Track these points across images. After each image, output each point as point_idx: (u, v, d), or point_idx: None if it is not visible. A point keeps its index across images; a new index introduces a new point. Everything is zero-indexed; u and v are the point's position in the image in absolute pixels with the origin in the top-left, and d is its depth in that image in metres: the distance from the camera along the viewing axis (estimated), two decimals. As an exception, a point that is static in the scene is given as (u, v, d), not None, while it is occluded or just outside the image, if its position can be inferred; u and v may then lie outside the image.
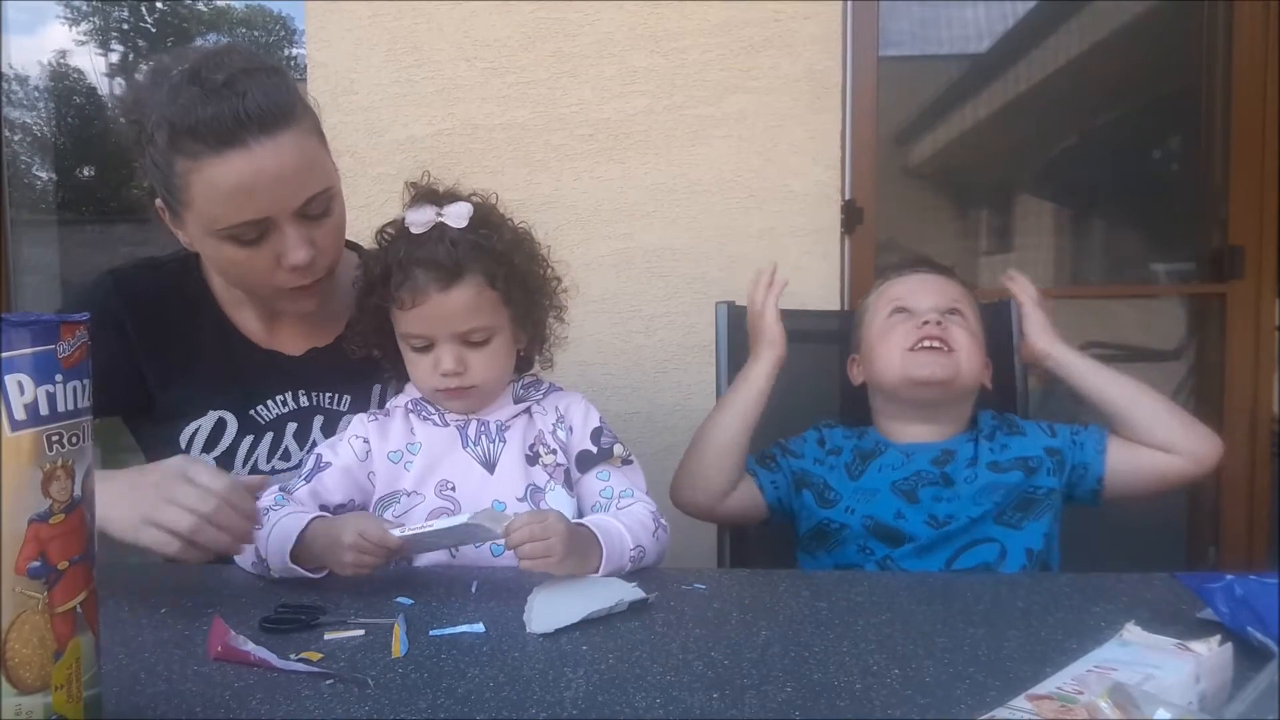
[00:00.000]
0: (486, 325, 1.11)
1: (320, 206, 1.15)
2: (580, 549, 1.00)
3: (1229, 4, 2.24)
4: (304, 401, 1.27)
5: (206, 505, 0.95)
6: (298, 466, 1.24)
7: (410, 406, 1.18)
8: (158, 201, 1.17)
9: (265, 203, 1.10)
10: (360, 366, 1.24)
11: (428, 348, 1.12)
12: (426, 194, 1.13)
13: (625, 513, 1.12)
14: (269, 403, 1.26)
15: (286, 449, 1.26)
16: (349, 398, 1.28)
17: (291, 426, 1.27)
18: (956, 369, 1.31)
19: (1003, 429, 1.37)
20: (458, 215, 1.10)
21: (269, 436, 1.26)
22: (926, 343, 1.31)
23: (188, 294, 1.28)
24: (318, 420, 1.28)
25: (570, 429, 1.19)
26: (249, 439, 1.25)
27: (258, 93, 1.07)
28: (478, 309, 1.10)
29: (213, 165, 1.07)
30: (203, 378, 1.25)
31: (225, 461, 1.24)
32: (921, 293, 1.38)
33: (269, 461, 1.26)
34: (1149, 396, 1.32)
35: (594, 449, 1.17)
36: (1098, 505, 1.34)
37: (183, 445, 1.23)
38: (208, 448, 1.24)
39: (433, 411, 1.17)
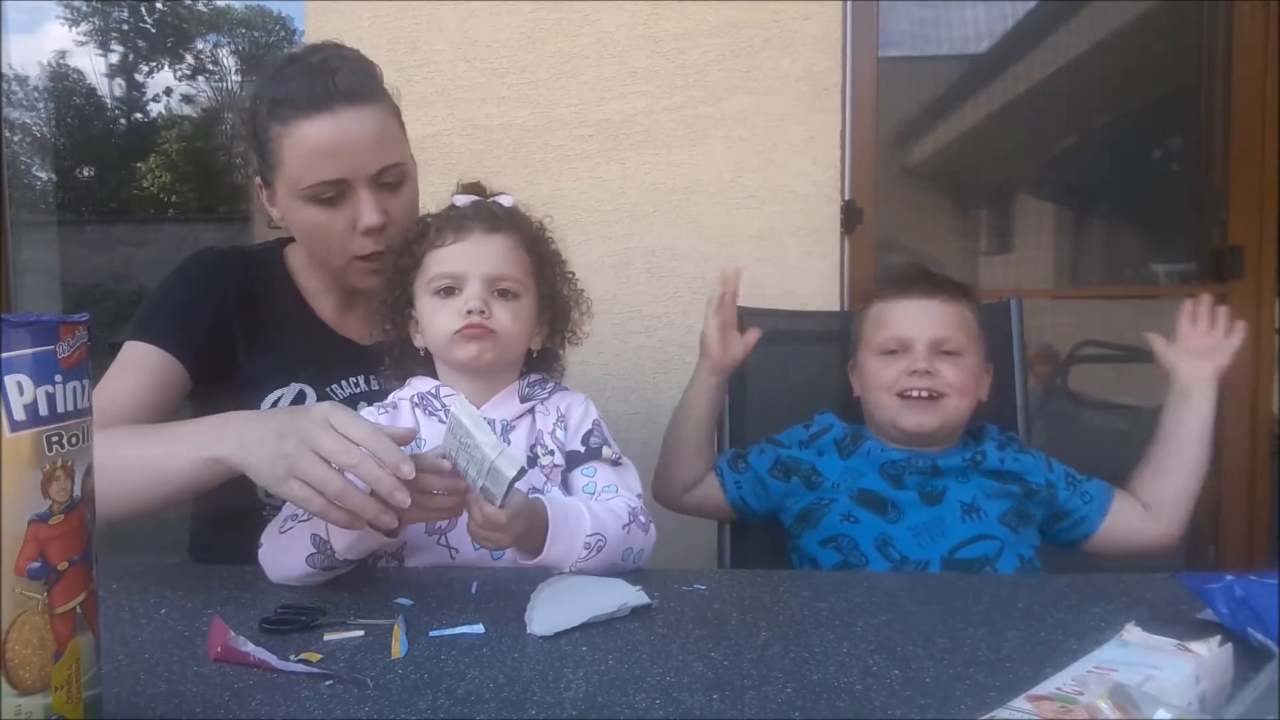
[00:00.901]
0: (517, 279, 1.16)
1: (394, 177, 1.27)
2: (533, 527, 1.00)
3: (1229, 4, 2.24)
4: (374, 385, 1.33)
5: (350, 457, 0.89)
6: None
7: (416, 400, 1.18)
8: (256, 180, 1.31)
9: (345, 164, 1.22)
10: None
11: (454, 291, 1.14)
12: (474, 186, 1.24)
13: (599, 502, 1.11)
14: (343, 382, 1.33)
15: None
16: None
17: (362, 406, 1.27)
18: (944, 417, 1.34)
19: (1011, 447, 1.38)
20: (504, 198, 1.22)
21: None
22: (915, 392, 1.33)
23: (274, 279, 1.39)
24: None
25: (567, 429, 1.19)
26: None
27: (347, 72, 1.24)
28: (515, 259, 1.16)
29: (301, 127, 1.21)
30: (287, 351, 1.33)
31: None
32: (916, 324, 1.37)
33: None
34: (1200, 467, 1.35)
35: (582, 449, 1.17)
36: (1066, 549, 1.38)
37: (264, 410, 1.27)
38: None
39: (439, 407, 1.17)
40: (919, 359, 1.34)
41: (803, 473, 1.36)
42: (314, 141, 1.21)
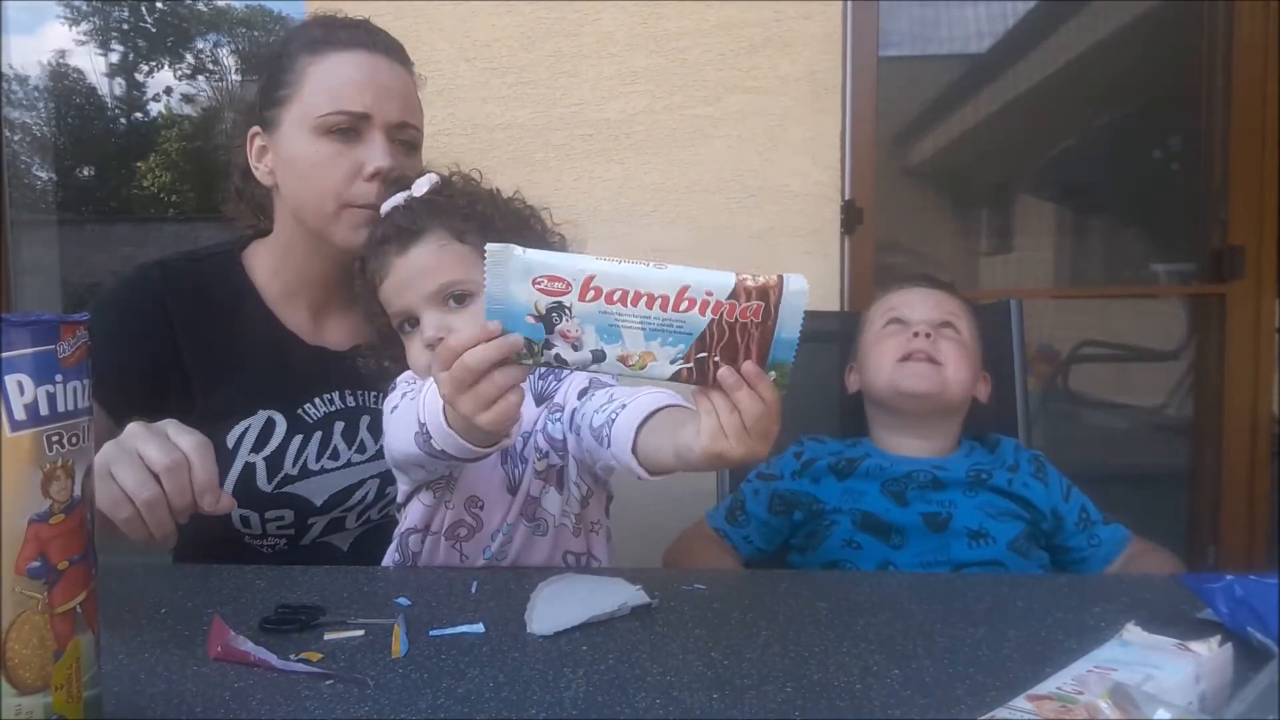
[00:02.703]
0: (458, 279, 1.05)
1: (410, 137, 1.24)
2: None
3: (1229, 4, 2.24)
4: (350, 401, 1.27)
5: (167, 456, 0.90)
6: (347, 465, 1.25)
7: (411, 396, 1.14)
8: (252, 130, 1.24)
9: (370, 99, 1.19)
10: (405, 361, 1.20)
11: (414, 323, 1.08)
12: (398, 181, 1.15)
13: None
14: (316, 401, 1.25)
15: (335, 448, 1.25)
16: None
17: (339, 425, 1.26)
18: (943, 383, 1.33)
19: (1027, 469, 1.36)
20: (419, 186, 1.11)
21: (318, 435, 1.24)
22: (916, 354, 1.34)
23: (231, 287, 1.27)
24: (365, 419, 1.27)
25: (561, 407, 1.11)
26: (298, 438, 1.23)
27: (388, 36, 1.25)
28: (442, 265, 1.06)
29: (335, 56, 1.20)
30: (251, 376, 1.23)
31: (275, 461, 1.22)
32: (916, 305, 1.41)
33: (318, 460, 1.24)
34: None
35: (579, 402, 1.06)
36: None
37: (230, 446, 1.20)
38: (257, 448, 1.22)
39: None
40: (920, 329, 1.36)
41: (803, 504, 1.34)
42: (344, 71, 1.19)
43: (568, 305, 0.72)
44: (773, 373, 0.75)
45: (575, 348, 0.74)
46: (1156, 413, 2.92)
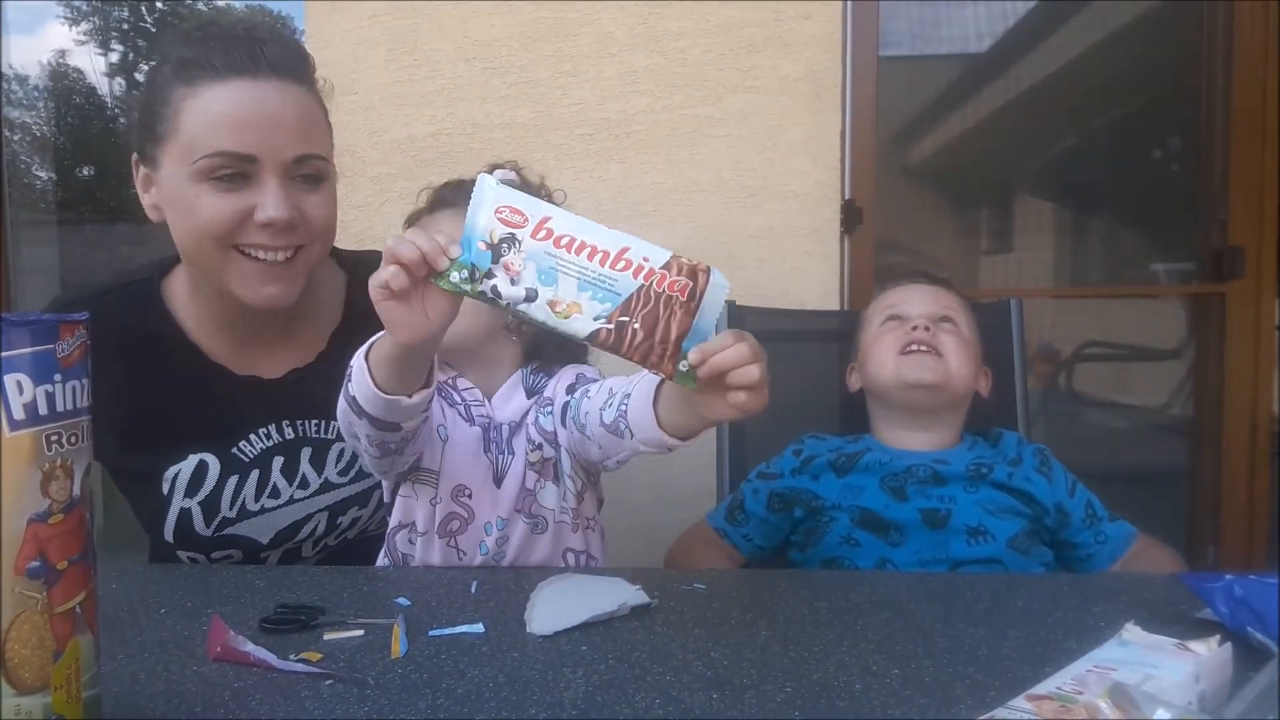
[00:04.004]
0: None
1: (311, 170, 1.09)
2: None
3: (1229, 4, 2.24)
4: (289, 434, 1.19)
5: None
6: (290, 503, 1.19)
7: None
8: (134, 157, 1.11)
9: (255, 139, 1.03)
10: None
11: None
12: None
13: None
14: (251, 437, 1.17)
15: (275, 486, 1.18)
16: (336, 423, 1.18)
17: (278, 461, 1.18)
18: (946, 373, 1.33)
19: (1031, 462, 1.34)
20: (503, 175, 1.10)
21: (255, 474, 1.17)
22: (916, 347, 1.34)
23: (149, 322, 1.17)
24: (305, 451, 1.19)
25: (550, 401, 1.12)
26: (234, 479, 1.16)
27: (277, 44, 1.06)
28: None
29: (211, 89, 1.03)
30: (177, 418, 1.15)
31: (210, 505, 1.16)
32: (914, 301, 1.41)
33: (257, 500, 1.17)
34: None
35: (569, 398, 1.09)
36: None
37: (165, 491, 1.15)
38: (190, 492, 1.15)
39: (459, 399, 1.13)
40: (919, 323, 1.36)
41: (803, 501, 1.33)
42: (223, 107, 1.02)
43: (519, 239, 0.77)
44: (683, 363, 0.77)
45: (513, 282, 0.77)
46: (1156, 412, 2.92)
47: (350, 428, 0.99)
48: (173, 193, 1.07)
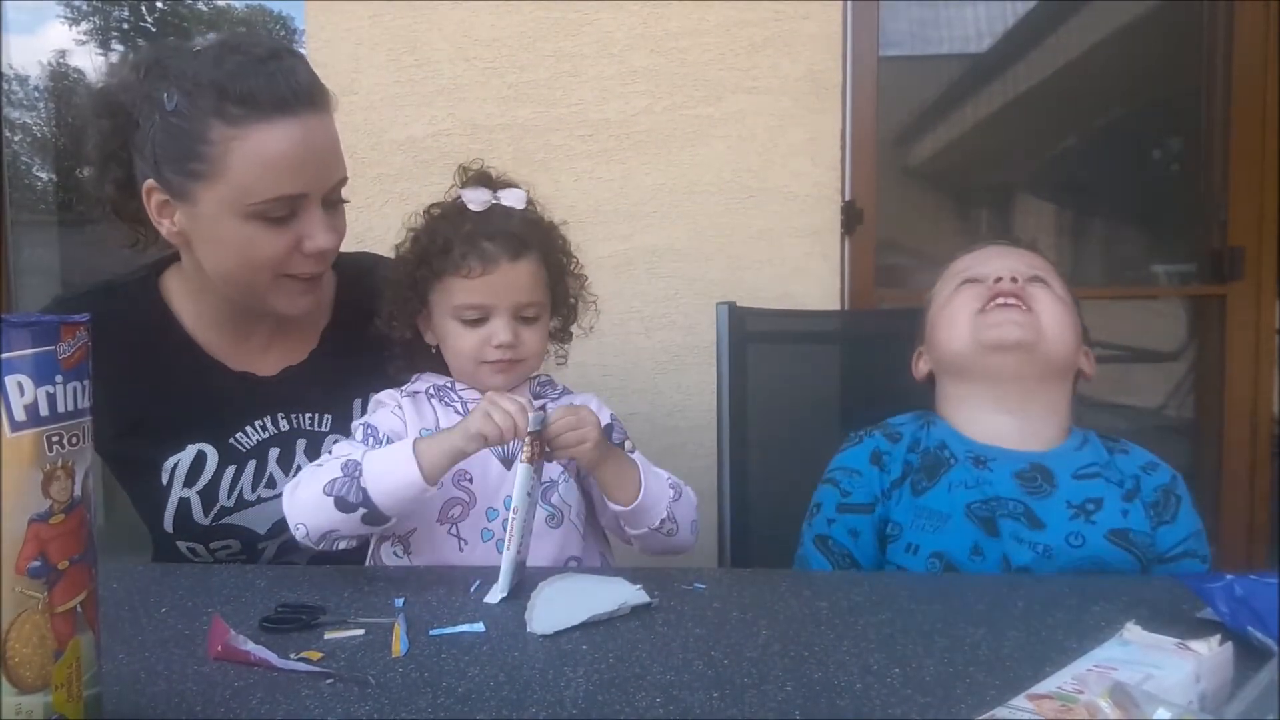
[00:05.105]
0: (539, 301, 1.15)
1: (340, 194, 1.15)
2: (613, 452, 1.09)
3: (1229, 4, 2.24)
4: (284, 425, 1.22)
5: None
6: None
7: (432, 392, 1.17)
8: (148, 183, 1.09)
9: (306, 178, 1.08)
10: (338, 381, 1.21)
11: (481, 321, 1.12)
12: (481, 177, 1.18)
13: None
14: (248, 429, 1.20)
15: (271, 476, 1.21)
16: (330, 416, 1.24)
17: (274, 452, 1.21)
18: (1038, 331, 1.08)
19: (1155, 496, 1.11)
20: (516, 198, 1.16)
21: (252, 464, 1.21)
22: (1000, 300, 1.10)
23: (150, 318, 1.21)
24: (300, 443, 1.23)
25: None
26: (231, 469, 1.20)
27: (302, 70, 1.08)
28: (536, 284, 1.14)
29: (260, 132, 1.04)
30: (176, 410, 1.18)
31: (209, 494, 1.19)
32: (993, 260, 1.18)
33: (254, 490, 1.21)
34: None
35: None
36: None
37: (164, 481, 1.18)
38: (189, 482, 1.19)
39: (455, 398, 1.16)
40: (1004, 275, 1.12)
41: (876, 526, 1.16)
42: (276, 152, 1.04)
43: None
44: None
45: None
46: (1157, 413, 2.92)
47: (329, 524, 1.02)
48: (214, 229, 1.09)
